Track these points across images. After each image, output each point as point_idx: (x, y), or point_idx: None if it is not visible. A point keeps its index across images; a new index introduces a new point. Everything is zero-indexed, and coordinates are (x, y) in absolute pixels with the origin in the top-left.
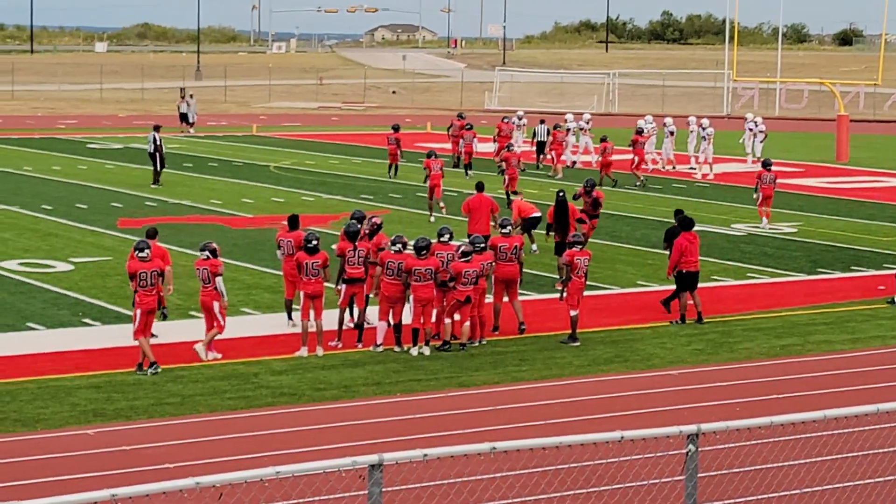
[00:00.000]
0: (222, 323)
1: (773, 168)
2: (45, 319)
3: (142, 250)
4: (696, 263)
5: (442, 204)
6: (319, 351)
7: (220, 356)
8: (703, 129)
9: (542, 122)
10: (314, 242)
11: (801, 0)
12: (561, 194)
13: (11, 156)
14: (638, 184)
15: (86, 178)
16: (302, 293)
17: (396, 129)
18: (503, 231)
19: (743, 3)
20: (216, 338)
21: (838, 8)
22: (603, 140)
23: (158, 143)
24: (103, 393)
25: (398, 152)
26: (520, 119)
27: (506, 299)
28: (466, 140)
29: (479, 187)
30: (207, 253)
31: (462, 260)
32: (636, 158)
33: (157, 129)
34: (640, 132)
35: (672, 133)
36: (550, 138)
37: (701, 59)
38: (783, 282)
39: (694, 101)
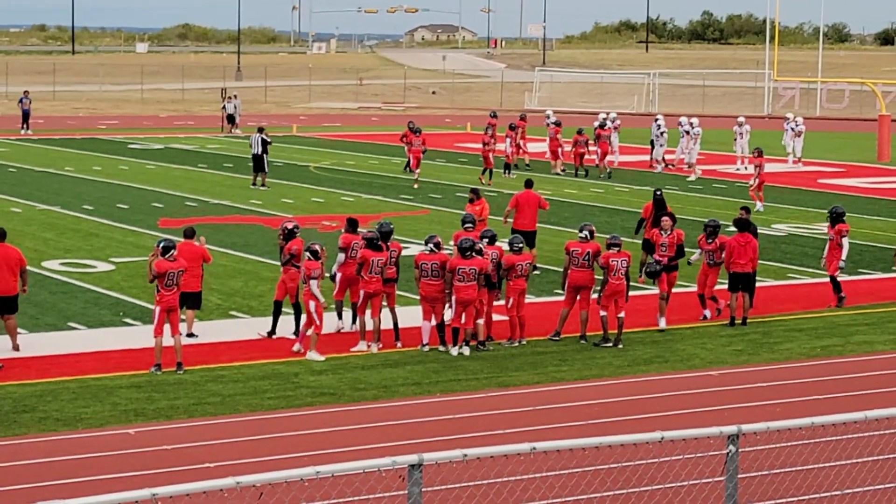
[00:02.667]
0: (318, 322)
1: (815, 168)
2: (86, 319)
3: (168, 251)
4: (747, 265)
5: (416, 181)
6: (374, 348)
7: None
8: (693, 127)
9: (657, 120)
10: (378, 241)
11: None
12: (658, 193)
13: (53, 156)
14: (603, 175)
15: (127, 178)
16: (362, 291)
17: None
18: (581, 235)
19: (783, 3)
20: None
21: (880, 7)
22: (579, 132)
23: (269, 142)
24: (144, 392)
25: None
26: (548, 118)
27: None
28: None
29: (528, 184)
30: (308, 254)
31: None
32: (600, 151)
33: (260, 130)
34: (602, 126)
35: (696, 134)
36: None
37: (741, 59)
38: (824, 282)
39: (734, 101)
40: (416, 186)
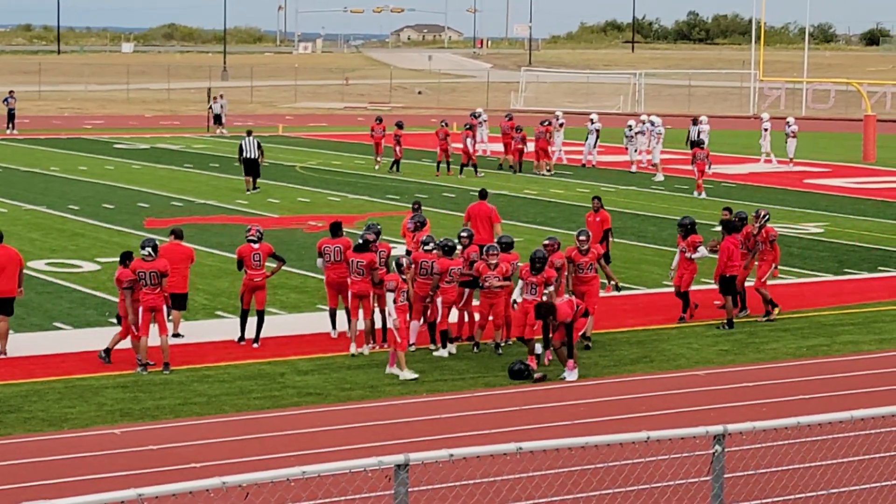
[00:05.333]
0: (397, 339)
1: (801, 168)
2: (71, 319)
3: (143, 248)
4: (739, 267)
5: (378, 163)
6: (366, 350)
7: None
8: (654, 126)
9: (695, 122)
10: (362, 241)
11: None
12: (596, 201)
13: (38, 156)
14: (547, 172)
15: (112, 178)
16: (350, 292)
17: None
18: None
19: (769, 3)
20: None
21: (865, 7)
22: (518, 130)
23: (260, 145)
24: (130, 392)
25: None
26: (479, 116)
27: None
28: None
29: (482, 194)
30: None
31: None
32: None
33: (249, 133)
34: (543, 123)
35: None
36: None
37: (727, 60)
38: (810, 282)
39: (720, 101)
40: (377, 167)
